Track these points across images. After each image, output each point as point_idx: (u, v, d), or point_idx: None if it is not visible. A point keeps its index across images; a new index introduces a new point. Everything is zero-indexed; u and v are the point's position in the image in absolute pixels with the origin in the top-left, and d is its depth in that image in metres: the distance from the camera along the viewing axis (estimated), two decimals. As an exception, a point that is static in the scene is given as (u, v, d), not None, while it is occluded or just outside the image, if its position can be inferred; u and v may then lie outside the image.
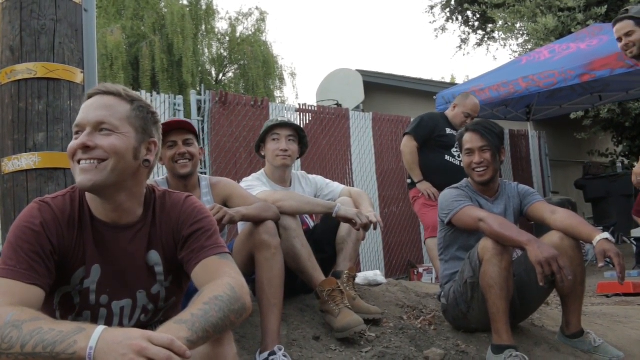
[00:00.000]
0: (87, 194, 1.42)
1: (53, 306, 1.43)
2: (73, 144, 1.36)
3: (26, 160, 2.01)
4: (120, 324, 1.48)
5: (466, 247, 2.53)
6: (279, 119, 2.93)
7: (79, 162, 1.35)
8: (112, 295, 1.45)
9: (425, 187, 4.27)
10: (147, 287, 1.49)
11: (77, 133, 1.37)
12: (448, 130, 4.43)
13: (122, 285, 1.45)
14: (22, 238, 1.32)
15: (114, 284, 1.44)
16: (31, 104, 2.04)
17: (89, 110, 1.38)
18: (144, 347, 1.01)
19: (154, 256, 1.48)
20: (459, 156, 4.27)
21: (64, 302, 1.42)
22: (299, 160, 4.92)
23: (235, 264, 1.43)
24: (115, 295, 1.45)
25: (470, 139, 2.65)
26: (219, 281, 1.32)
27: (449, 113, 4.52)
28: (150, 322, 1.54)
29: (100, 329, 1.07)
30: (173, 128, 2.45)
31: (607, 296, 4.36)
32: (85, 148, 1.34)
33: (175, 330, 1.13)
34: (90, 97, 1.41)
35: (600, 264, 2.21)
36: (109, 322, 1.45)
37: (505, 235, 2.28)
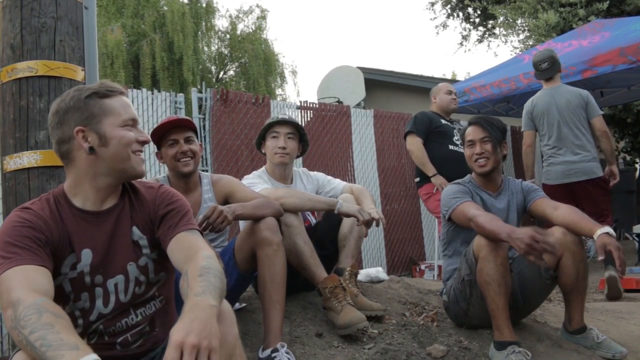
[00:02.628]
0: (69, 191, 1.56)
1: None
2: (141, 137, 1.58)
3: (28, 159, 2.01)
4: (117, 300, 1.56)
5: (468, 241, 2.53)
6: (279, 116, 2.93)
7: (134, 152, 1.57)
8: (105, 274, 1.54)
9: (440, 181, 4.28)
10: (135, 260, 1.59)
11: (131, 126, 1.57)
12: (443, 121, 4.51)
13: (113, 263, 1.56)
14: (15, 234, 1.41)
15: (105, 263, 1.54)
16: (32, 102, 2.03)
17: (133, 110, 1.62)
18: None
19: (137, 232, 1.60)
20: (462, 144, 4.30)
21: (57, 295, 1.45)
22: (301, 157, 4.90)
23: (203, 239, 1.56)
24: (108, 273, 1.55)
25: (471, 131, 2.68)
26: (198, 254, 1.43)
27: (435, 107, 4.62)
28: (145, 294, 1.61)
29: (91, 357, 1.11)
30: (174, 126, 2.45)
31: (610, 292, 4.34)
32: (144, 143, 1.60)
33: (204, 300, 1.22)
34: (120, 94, 1.59)
35: (600, 257, 2.21)
36: (106, 301, 1.54)
37: (489, 230, 2.28)
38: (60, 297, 1.49)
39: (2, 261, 1.34)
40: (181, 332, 1.12)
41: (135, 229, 1.60)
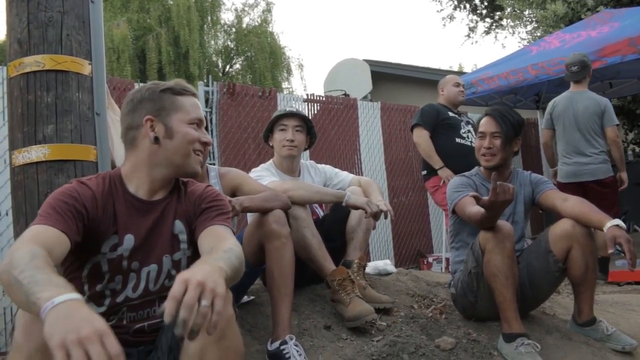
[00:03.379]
0: (126, 176, 1.64)
1: (81, 279, 1.57)
2: (204, 138, 1.67)
3: (36, 153, 2.01)
4: (146, 288, 1.62)
5: (475, 233, 2.51)
6: (287, 109, 2.92)
7: (195, 151, 1.65)
8: (142, 262, 1.61)
9: (447, 174, 4.26)
10: (171, 253, 1.65)
11: (197, 125, 1.66)
12: (450, 114, 4.49)
13: (151, 252, 1.62)
14: (58, 198, 1.47)
15: (144, 251, 1.61)
16: (40, 96, 2.03)
17: (201, 112, 1.71)
18: (89, 338, 0.97)
19: (179, 225, 1.66)
20: (468, 137, 4.29)
21: (93, 273, 1.55)
22: (308, 150, 4.89)
23: (234, 237, 1.56)
24: (145, 261, 1.61)
25: (485, 123, 2.65)
26: (225, 241, 1.46)
27: (442, 99, 4.61)
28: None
29: (74, 295, 1.06)
30: None
31: (619, 284, 4.33)
32: (207, 145, 1.70)
33: (216, 263, 1.24)
34: (193, 95, 1.70)
35: (610, 250, 2.19)
36: (135, 286, 1.60)
37: (468, 217, 2.32)
38: (96, 276, 1.56)
39: (37, 219, 1.41)
40: (187, 273, 1.14)
41: (177, 222, 1.66)
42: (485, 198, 2.13)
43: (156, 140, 1.61)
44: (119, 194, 1.61)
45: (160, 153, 1.62)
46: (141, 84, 4.51)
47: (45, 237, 1.35)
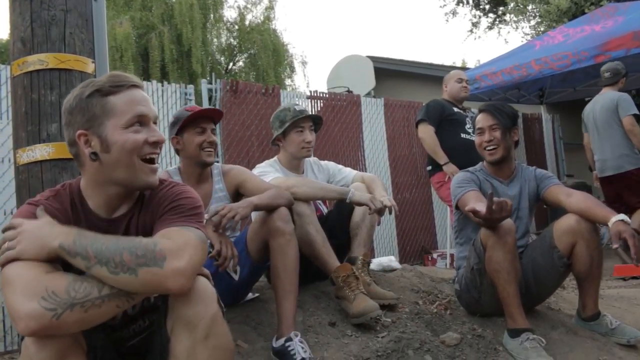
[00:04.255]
0: (84, 191, 1.46)
1: None
2: (152, 136, 1.41)
3: (40, 151, 2.02)
4: (124, 314, 1.51)
5: (479, 228, 2.51)
6: (297, 108, 2.88)
7: (144, 158, 1.41)
8: None
9: (452, 169, 4.26)
10: None
11: (140, 125, 1.41)
12: (455, 109, 4.49)
13: None
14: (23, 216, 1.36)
15: None
16: (43, 94, 2.04)
17: (147, 104, 1.43)
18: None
19: None
20: (473, 133, 4.29)
21: None
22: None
23: (198, 237, 1.35)
24: None
25: (481, 119, 2.68)
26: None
27: (447, 94, 4.63)
28: (156, 303, 1.54)
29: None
30: (205, 115, 2.44)
31: (624, 279, 4.33)
32: (157, 144, 1.43)
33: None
34: (130, 87, 1.43)
35: (615, 245, 2.19)
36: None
37: (468, 211, 2.29)
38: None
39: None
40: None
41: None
42: (482, 212, 2.13)
43: (94, 156, 1.38)
44: (80, 211, 1.45)
45: (103, 170, 1.40)
46: (144, 82, 4.55)
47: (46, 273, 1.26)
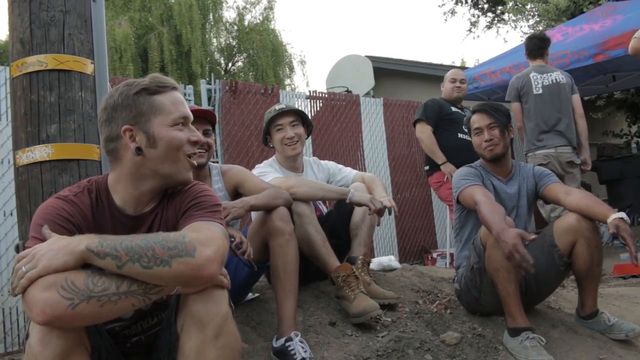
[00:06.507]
0: (112, 187, 1.51)
1: None
2: (193, 136, 1.51)
3: (40, 152, 2.01)
4: (138, 309, 1.50)
5: (480, 227, 2.52)
6: (276, 107, 2.90)
7: (186, 156, 1.50)
8: None
9: (449, 169, 4.26)
10: None
11: (183, 124, 1.51)
12: (453, 109, 4.49)
13: None
14: (47, 212, 1.39)
15: None
16: (43, 96, 2.03)
17: (187, 106, 1.54)
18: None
19: None
20: (467, 132, 4.30)
21: None
22: (311, 146, 4.89)
23: (221, 231, 1.41)
24: None
25: (477, 119, 2.69)
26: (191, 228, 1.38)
27: (443, 94, 4.62)
28: (166, 301, 1.55)
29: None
30: (196, 116, 2.43)
31: (624, 278, 4.33)
32: (197, 143, 1.54)
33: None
34: (173, 89, 1.53)
35: (611, 231, 2.20)
36: None
37: (486, 221, 2.27)
38: None
39: (31, 241, 1.34)
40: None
41: None
42: (521, 249, 2.07)
43: (139, 151, 1.45)
44: (105, 208, 1.50)
45: (146, 164, 1.47)
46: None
47: None
